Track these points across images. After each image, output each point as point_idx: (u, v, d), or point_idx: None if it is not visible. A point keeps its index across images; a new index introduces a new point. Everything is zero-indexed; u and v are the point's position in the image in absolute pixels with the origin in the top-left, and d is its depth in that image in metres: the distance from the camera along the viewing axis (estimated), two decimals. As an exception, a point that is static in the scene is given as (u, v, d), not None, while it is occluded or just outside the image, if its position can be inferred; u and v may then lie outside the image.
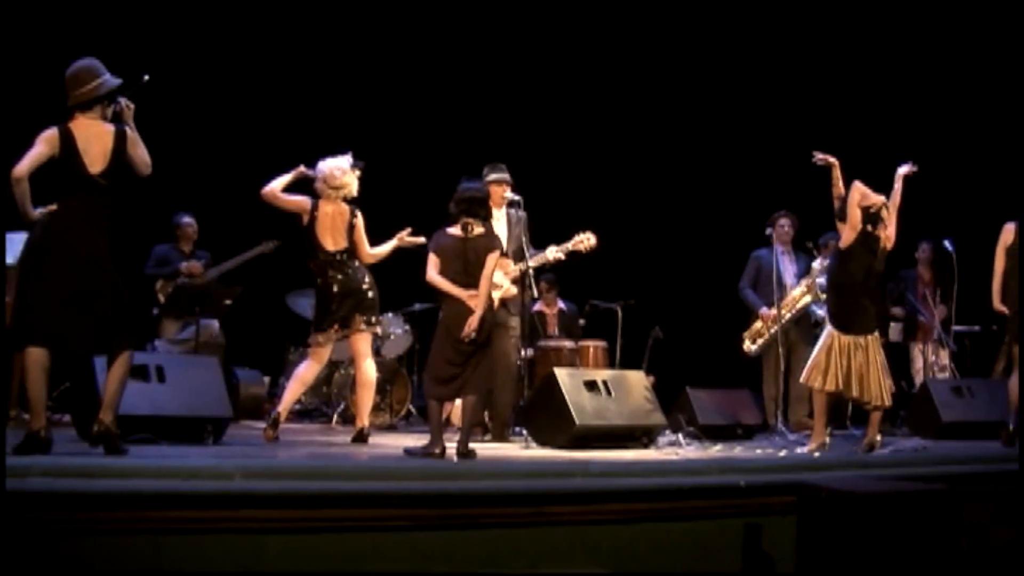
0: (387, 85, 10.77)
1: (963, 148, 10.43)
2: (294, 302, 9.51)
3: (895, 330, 9.77)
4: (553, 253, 7.70)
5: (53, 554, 4.21)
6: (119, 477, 4.64)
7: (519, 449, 7.10)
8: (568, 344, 8.74)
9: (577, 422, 6.97)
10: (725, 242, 10.02)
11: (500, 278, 7.19)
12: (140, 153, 5.51)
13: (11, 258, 6.39)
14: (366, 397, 7.04)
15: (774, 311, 8.43)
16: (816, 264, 8.52)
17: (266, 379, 9.36)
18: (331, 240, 6.96)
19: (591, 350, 8.88)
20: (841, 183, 7.17)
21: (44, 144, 5.32)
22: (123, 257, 5.58)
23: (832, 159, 7.22)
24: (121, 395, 5.42)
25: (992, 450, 7.18)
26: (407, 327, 9.60)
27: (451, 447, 6.24)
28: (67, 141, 5.34)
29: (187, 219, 8.93)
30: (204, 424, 6.38)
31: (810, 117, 10.59)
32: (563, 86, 11.07)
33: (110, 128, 5.46)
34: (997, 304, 7.77)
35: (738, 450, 7.25)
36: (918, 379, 9.60)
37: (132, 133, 5.49)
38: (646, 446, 7.27)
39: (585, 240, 7.67)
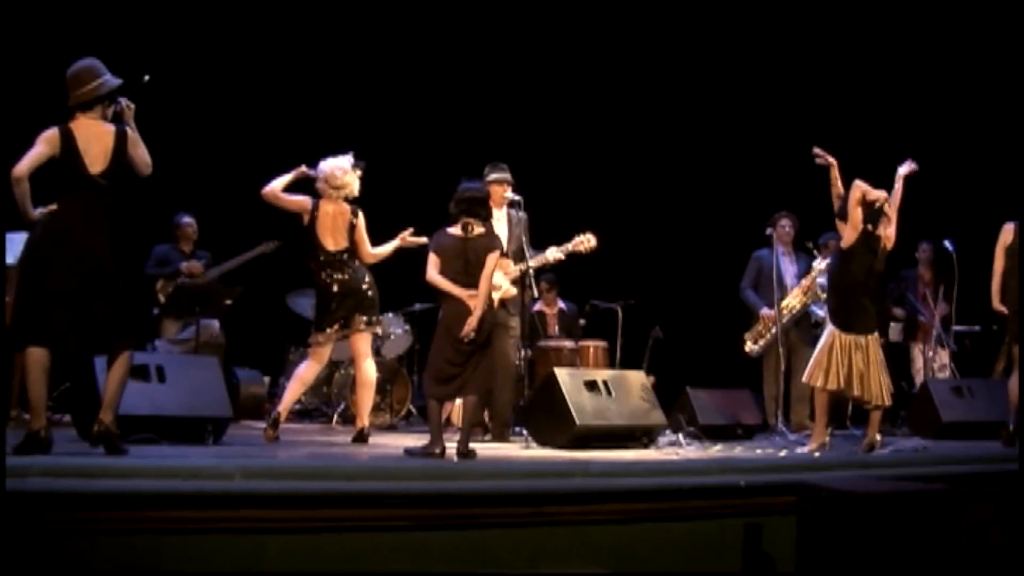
0: (388, 85, 10.77)
1: (963, 148, 10.43)
2: (294, 302, 9.51)
3: (895, 330, 9.77)
4: (553, 254, 7.70)
5: (53, 554, 4.21)
6: (119, 477, 4.64)
7: (519, 449, 7.10)
8: (568, 344, 8.74)
9: (577, 422, 6.97)
10: (725, 242, 10.02)
11: (500, 279, 7.19)
12: (141, 153, 5.51)
13: (11, 258, 6.39)
14: (366, 397, 7.04)
15: (775, 312, 8.43)
16: (816, 264, 8.52)
17: (266, 379, 9.36)
18: (332, 240, 6.96)
19: (591, 350, 8.89)
20: (840, 183, 7.17)
21: (44, 144, 5.32)
22: (123, 257, 5.58)
23: (831, 159, 7.21)
24: (121, 395, 5.43)
25: (992, 450, 7.18)
26: (407, 327, 9.60)
27: (451, 447, 6.25)
28: (67, 141, 5.34)
29: (187, 219, 8.93)
30: (204, 424, 6.38)
31: (810, 117, 10.58)
32: (564, 86, 11.07)
33: (111, 128, 5.46)
34: (996, 304, 7.77)
35: (738, 450, 7.25)
36: (918, 379, 9.60)
37: (133, 133, 5.49)
38: (646, 446, 7.28)
39: (585, 241, 7.67)
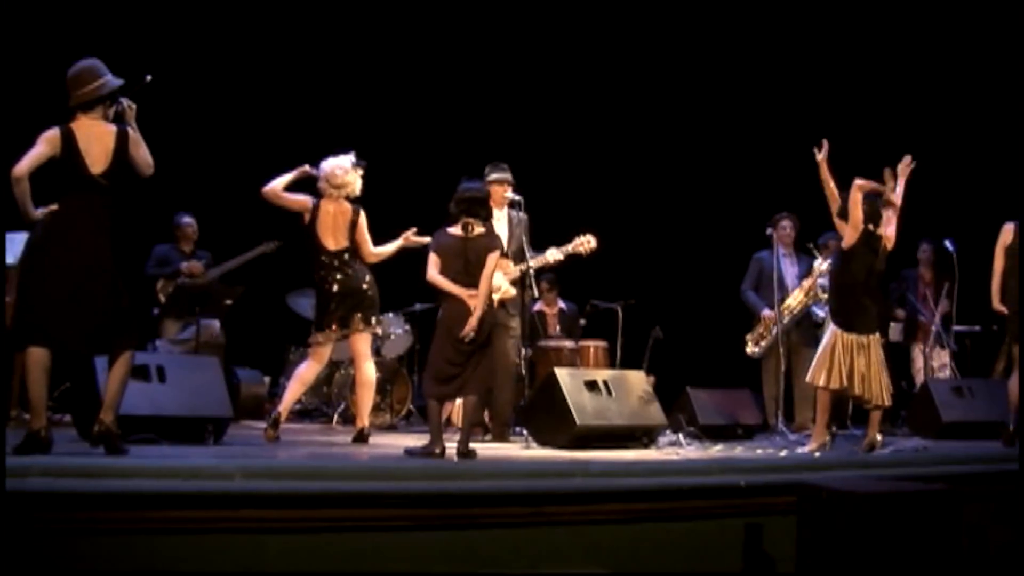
0: (389, 85, 10.77)
1: (963, 148, 10.43)
2: (295, 302, 9.51)
3: (895, 330, 9.77)
4: (553, 255, 7.71)
5: (53, 554, 4.21)
6: (119, 477, 4.64)
7: (519, 449, 7.10)
8: (568, 344, 8.74)
9: (578, 422, 6.97)
10: (725, 242, 10.02)
11: (499, 279, 7.18)
12: (142, 153, 5.51)
13: (11, 258, 6.39)
14: (366, 397, 7.04)
15: (775, 312, 8.42)
16: (817, 265, 8.51)
17: (266, 379, 9.36)
18: (332, 239, 6.96)
19: (591, 350, 8.89)
20: (832, 181, 7.15)
21: (45, 144, 5.32)
22: (124, 257, 5.58)
23: (819, 156, 7.15)
24: (122, 395, 5.42)
25: (992, 450, 7.18)
26: (407, 327, 9.60)
27: (451, 447, 6.25)
28: (68, 141, 5.34)
29: (187, 219, 8.94)
30: (205, 424, 6.38)
31: (810, 118, 10.56)
32: (564, 87, 11.07)
33: (112, 128, 5.46)
34: (996, 304, 7.77)
35: (738, 450, 7.25)
36: (918, 379, 9.60)
37: (134, 133, 5.49)
38: (646, 446, 7.28)
39: (585, 243, 7.68)
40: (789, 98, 10.94)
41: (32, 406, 5.32)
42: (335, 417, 9.05)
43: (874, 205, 7.02)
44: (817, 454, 6.93)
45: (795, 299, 8.62)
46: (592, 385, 7.27)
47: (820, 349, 7.17)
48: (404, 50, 10.74)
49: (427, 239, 6.77)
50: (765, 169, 10.60)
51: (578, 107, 11.14)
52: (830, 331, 7.12)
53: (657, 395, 7.68)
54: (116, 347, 5.41)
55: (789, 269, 8.76)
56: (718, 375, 8.98)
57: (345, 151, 7.05)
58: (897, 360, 9.17)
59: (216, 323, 8.64)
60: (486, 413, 7.67)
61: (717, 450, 7.23)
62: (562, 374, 7.24)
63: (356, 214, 6.99)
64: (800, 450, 7.19)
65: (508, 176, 7.72)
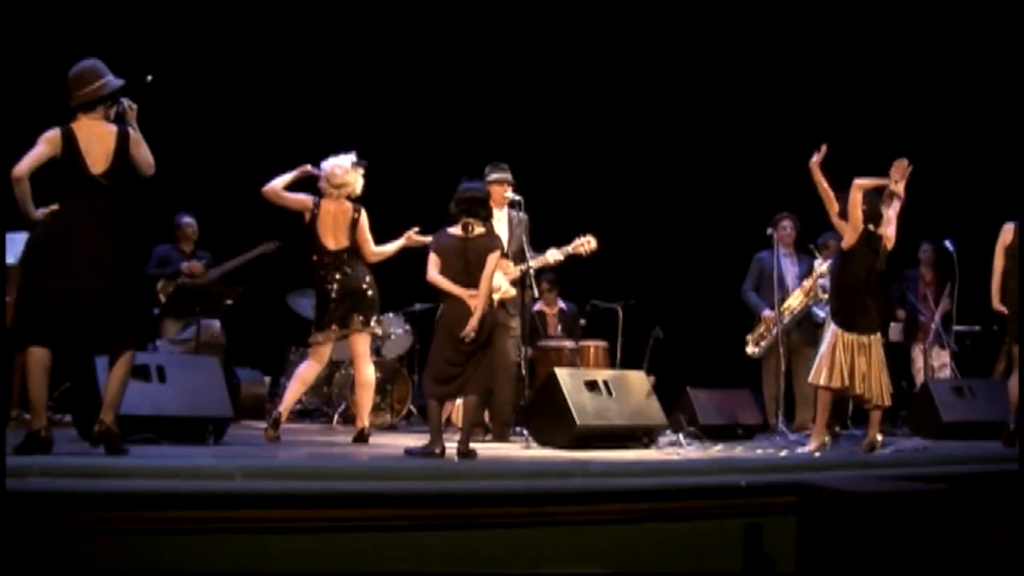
0: (390, 85, 10.77)
1: (963, 148, 10.43)
2: (295, 302, 9.51)
3: (895, 330, 9.77)
4: (553, 255, 7.71)
5: (53, 554, 4.21)
6: (120, 477, 4.64)
7: (519, 449, 7.10)
8: (569, 344, 8.74)
9: (578, 422, 6.97)
10: (725, 242, 10.02)
11: (499, 279, 7.18)
12: (143, 153, 5.51)
13: (11, 258, 6.39)
14: (365, 397, 7.04)
15: (775, 312, 8.42)
16: (818, 265, 8.51)
17: (267, 379, 9.36)
18: (332, 239, 6.96)
19: (592, 350, 8.89)
20: (826, 183, 7.15)
21: (46, 144, 5.33)
22: (124, 257, 5.58)
23: (813, 159, 7.16)
24: (122, 395, 5.43)
25: (992, 450, 7.18)
26: (408, 327, 9.60)
27: (451, 447, 6.25)
28: (69, 142, 5.35)
29: (187, 219, 8.94)
30: (205, 424, 6.38)
31: (810, 118, 10.58)
32: (565, 87, 11.07)
33: (113, 128, 5.46)
34: (996, 304, 7.77)
35: (739, 450, 7.25)
36: (919, 379, 9.60)
37: (135, 134, 5.49)
38: (647, 446, 7.28)
39: (586, 243, 7.68)
40: (789, 98, 10.94)
41: (32, 406, 5.32)
42: (335, 417, 9.04)
43: (874, 205, 7.02)
44: (817, 454, 6.92)
45: (796, 299, 8.62)
46: (592, 385, 7.26)
47: (821, 349, 7.17)
48: (404, 50, 10.74)
49: (429, 238, 6.77)
50: (765, 169, 10.59)
51: (578, 107, 11.14)
52: (830, 331, 7.12)
53: (657, 395, 7.68)
54: (117, 347, 5.41)
55: (790, 269, 8.76)
56: (718, 375, 8.98)
57: (346, 151, 7.05)
58: (897, 360, 9.18)
59: (216, 323, 8.64)
60: (486, 413, 7.67)
61: (717, 450, 7.23)
62: (562, 374, 7.24)
63: (357, 213, 6.98)
64: (800, 450, 7.19)
65: (508, 176, 7.72)
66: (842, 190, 7.06)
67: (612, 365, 8.87)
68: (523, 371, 7.70)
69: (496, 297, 7.03)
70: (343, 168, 6.96)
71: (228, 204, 9.17)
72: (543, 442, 7.11)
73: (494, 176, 7.65)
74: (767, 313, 8.59)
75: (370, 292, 6.98)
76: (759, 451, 7.25)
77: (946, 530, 4.62)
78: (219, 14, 9.98)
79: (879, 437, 7.05)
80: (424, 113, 10.74)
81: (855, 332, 6.98)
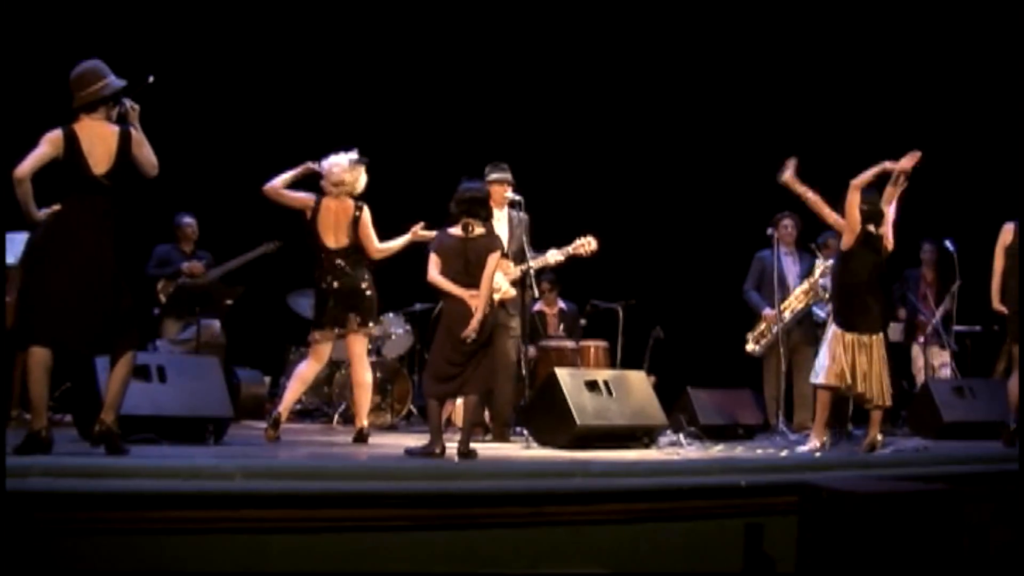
0: (390, 85, 10.77)
1: (963, 148, 10.42)
2: (295, 302, 9.51)
3: (896, 330, 9.77)
4: (554, 256, 7.72)
5: (53, 554, 4.21)
6: (120, 477, 4.64)
7: (520, 449, 7.10)
8: (569, 344, 8.74)
9: (578, 422, 6.97)
10: (726, 242, 10.02)
11: (499, 279, 7.18)
12: (146, 154, 5.51)
13: (12, 258, 6.39)
14: (363, 397, 7.03)
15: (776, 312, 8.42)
16: (819, 263, 8.50)
17: (267, 379, 9.36)
18: (332, 237, 6.96)
19: (592, 350, 8.89)
20: (810, 192, 7.18)
21: (48, 145, 5.33)
22: (124, 257, 5.58)
23: (786, 176, 7.22)
24: (123, 396, 5.43)
25: (993, 450, 7.18)
26: (408, 327, 9.60)
27: (451, 447, 6.25)
28: (71, 142, 5.35)
29: (188, 219, 8.94)
30: (205, 424, 6.38)
31: (811, 118, 10.59)
32: (565, 87, 11.06)
33: (115, 129, 5.46)
34: (996, 304, 7.77)
35: (739, 450, 7.26)
36: (919, 379, 9.60)
37: (137, 134, 5.49)
38: (647, 446, 7.28)
39: (586, 244, 7.68)
40: (789, 98, 10.93)
41: (33, 406, 5.33)
42: (335, 417, 9.04)
43: (875, 205, 7.02)
44: (817, 453, 6.93)
45: (797, 298, 8.62)
46: (592, 385, 7.27)
47: (822, 348, 7.17)
48: (404, 50, 10.74)
49: (435, 233, 6.74)
50: (765, 169, 10.57)
51: (578, 108, 11.14)
52: (831, 331, 7.12)
53: (658, 395, 7.68)
54: (118, 347, 5.41)
55: (791, 268, 8.75)
56: (719, 375, 8.98)
57: (347, 149, 7.05)
58: (897, 360, 9.18)
59: (216, 323, 8.64)
60: (486, 413, 7.67)
61: (718, 450, 7.23)
62: (562, 374, 7.24)
63: (359, 211, 6.97)
64: (800, 449, 7.19)
65: (508, 176, 7.72)
66: (837, 196, 7.07)
67: (612, 365, 8.87)
68: (523, 371, 7.70)
69: (496, 297, 7.03)
70: (341, 166, 6.96)
71: (228, 204, 9.17)
72: (543, 442, 7.11)
73: (494, 176, 7.65)
74: (768, 312, 8.59)
75: (368, 292, 6.98)
76: (759, 451, 7.25)
77: (946, 530, 4.62)
78: (219, 14, 9.98)
79: (879, 437, 7.05)
80: (425, 112, 10.73)
81: (856, 332, 6.98)
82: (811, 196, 7.24)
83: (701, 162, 11.22)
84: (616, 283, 9.66)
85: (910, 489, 4.93)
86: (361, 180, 7.01)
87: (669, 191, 11.19)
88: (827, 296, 7.95)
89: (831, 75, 10.89)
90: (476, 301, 6.23)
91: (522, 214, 7.76)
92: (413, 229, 7.15)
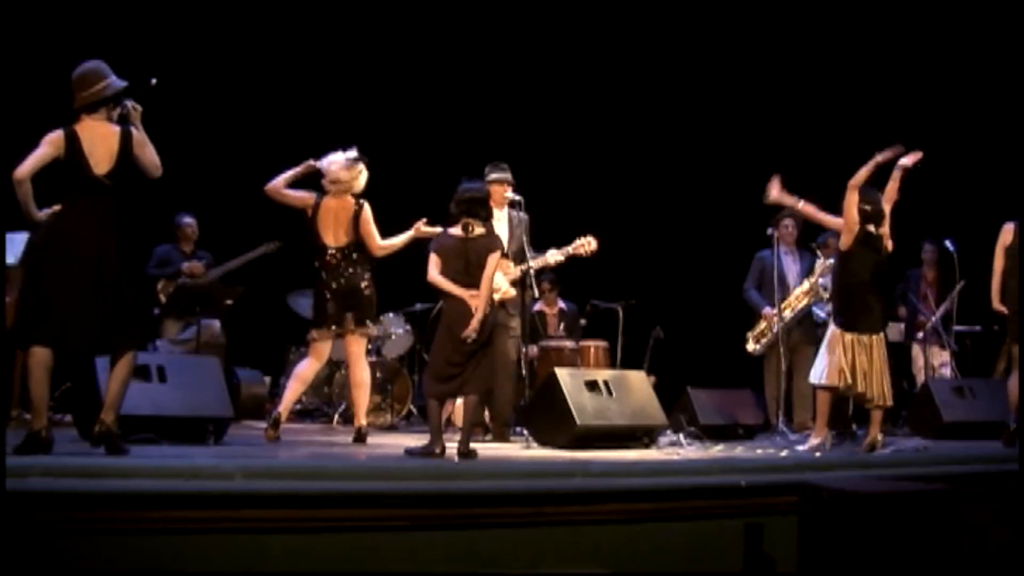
0: (390, 85, 10.77)
1: (963, 148, 10.43)
2: (295, 302, 9.50)
3: (896, 330, 9.77)
4: (553, 256, 7.72)
5: (53, 554, 4.21)
6: (120, 477, 4.65)
7: (520, 449, 7.10)
8: (569, 344, 8.74)
9: (578, 422, 6.97)
10: (726, 242, 10.02)
11: (499, 279, 7.18)
12: (149, 155, 5.51)
13: (12, 258, 6.40)
14: (360, 397, 7.02)
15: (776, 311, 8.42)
16: (819, 262, 8.50)
17: (267, 379, 9.36)
18: (332, 236, 6.95)
19: (592, 350, 8.89)
20: (801, 202, 7.20)
21: (49, 145, 5.33)
22: (125, 257, 5.58)
23: (772, 196, 7.26)
24: (123, 396, 5.43)
25: (993, 450, 7.18)
26: (408, 327, 9.60)
27: (451, 447, 6.25)
28: (72, 143, 5.35)
29: (188, 219, 8.95)
30: (205, 424, 6.39)
31: (811, 117, 10.60)
32: (565, 87, 11.07)
33: (116, 129, 5.46)
34: (996, 304, 7.78)
35: (739, 450, 7.25)
36: (919, 379, 9.60)
37: (139, 135, 5.49)
38: (647, 446, 7.28)
39: (586, 244, 7.68)
40: (789, 98, 10.94)
41: (33, 406, 5.33)
42: (335, 417, 9.04)
43: (876, 204, 7.02)
44: (817, 453, 6.92)
45: (797, 298, 8.61)
46: (592, 385, 7.26)
47: (822, 347, 7.17)
48: (404, 50, 10.75)
49: (438, 229, 6.74)
50: (765, 169, 10.57)
51: (578, 108, 11.14)
52: (831, 331, 7.12)
53: (658, 395, 7.68)
54: (118, 347, 5.41)
55: (791, 267, 8.75)
56: (719, 375, 8.98)
57: (346, 148, 7.04)
58: (898, 360, 9.18)
59: (216, 323, 8.64)
60: (487, 413, 7.67)
61: (718, 450, 7.23)
62: (562, 374, 7.24)
63: (359, 208, 6.96)
64: (800, 448, 7.19)
65: (508, 176, 7.72)
66: (836, 201, 7.08)
67: (612, 365, 8.86)
68: (523, 371, 7.70)
69: (496, 297, 7.03)
70: (338, 164, 6.95)
71: (228, 204, 9.17)
72: (543, 442, 7.11)
73: (494, 176, 7.65)
74: (768, 311, 8.58)
75: (368, 292, 6.97)
76: (760, 451, 7.24)
77: (946, 530, 4.62)
78: (220, 15, 9.98)
79: (880, 437, 7.05)
80: (425, 112, 10.73)
81: (856, 332, 6.98)
82: (803, 206, 7.28)
83: (701, 162, 11.22)
84: (616, 283, 9.66)
85: (910, 489, 4.93)
86: (361, 179, 7.01)
87: (669, 191, 11.19)
88: (827, 296, 7.95)
89: (830, 75, 10.89)
90: (476, 301, 6.23)
91: (522, 214, 7.76)
92: (416, 225, 7.14)
